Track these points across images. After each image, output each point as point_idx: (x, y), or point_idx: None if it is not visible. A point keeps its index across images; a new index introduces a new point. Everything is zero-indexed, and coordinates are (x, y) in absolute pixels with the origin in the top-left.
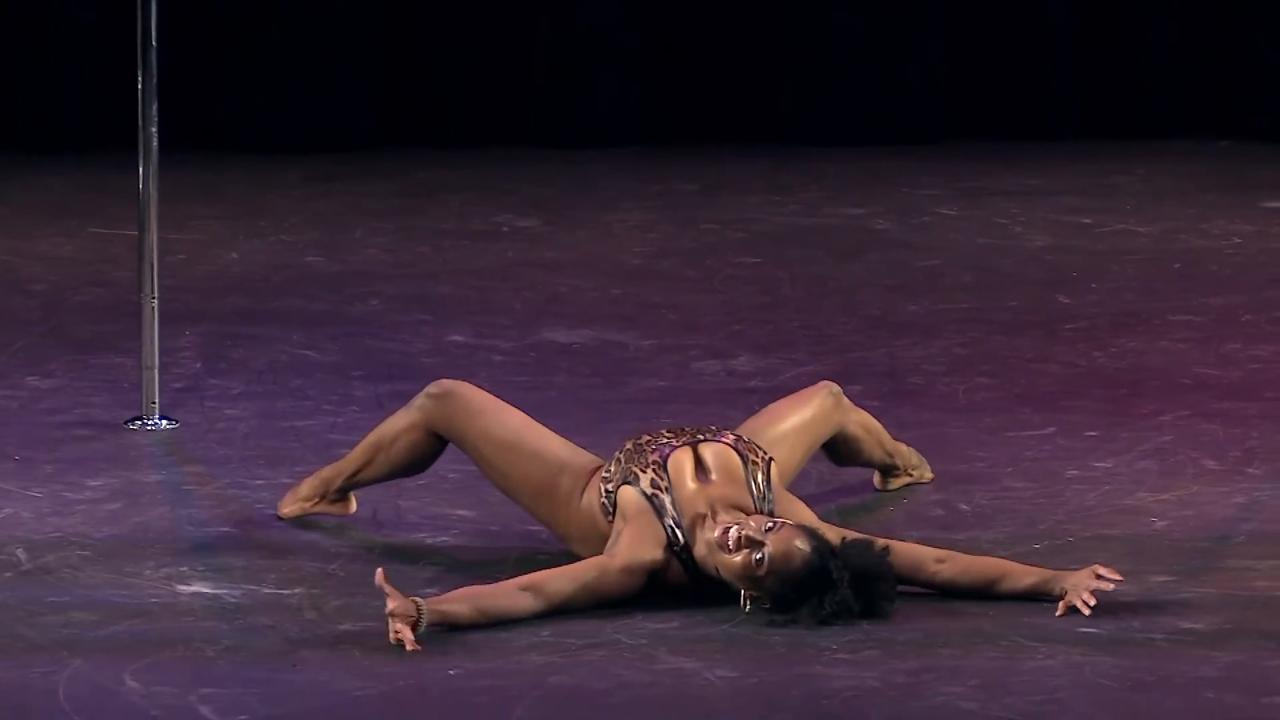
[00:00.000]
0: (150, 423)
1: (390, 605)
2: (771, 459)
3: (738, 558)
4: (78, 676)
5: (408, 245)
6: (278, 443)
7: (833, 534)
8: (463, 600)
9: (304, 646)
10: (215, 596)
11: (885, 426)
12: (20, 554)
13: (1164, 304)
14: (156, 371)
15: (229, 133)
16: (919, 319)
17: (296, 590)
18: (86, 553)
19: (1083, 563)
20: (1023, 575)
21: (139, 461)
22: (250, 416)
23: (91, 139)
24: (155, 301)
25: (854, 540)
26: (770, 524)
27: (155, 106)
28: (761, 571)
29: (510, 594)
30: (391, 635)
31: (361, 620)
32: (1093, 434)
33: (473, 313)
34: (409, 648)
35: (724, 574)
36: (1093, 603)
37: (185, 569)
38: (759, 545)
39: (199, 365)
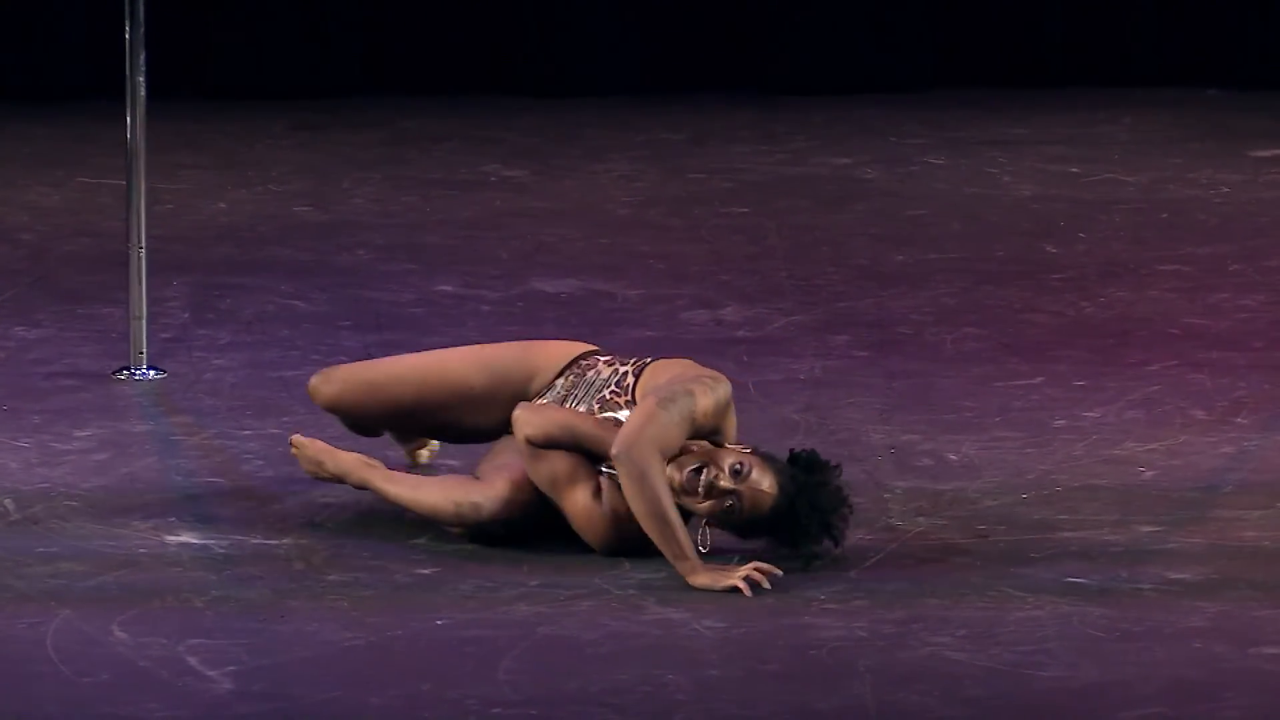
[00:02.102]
0: (138, 373)
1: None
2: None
3: (705, 505)
4: (66, 627)
5: (395, 195)
6: (266, 393)
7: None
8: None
9: (292, 597)
10: (203, 547)
11: (874, 376)
12: (8, 504)
13: (1152, 253)
14: (144, 321)
15: (216, 82)
16: (907, 269)
17: (284, 541)
18: (74, 503)
19: (1071, 513)
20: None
21: (127, 412)
22: (238, 367)
23: (79, 88)
24: (143, 251)
25: (819, 480)
26: (738, 465)
27: (143, 56)
28: (730, 518)
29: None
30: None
31: (350, 571)
32: (1081, 384)
33: (460, 262)
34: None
35: (687, 507)
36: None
37: (173, 519)
38: (729, 494)
39: (187, 315)
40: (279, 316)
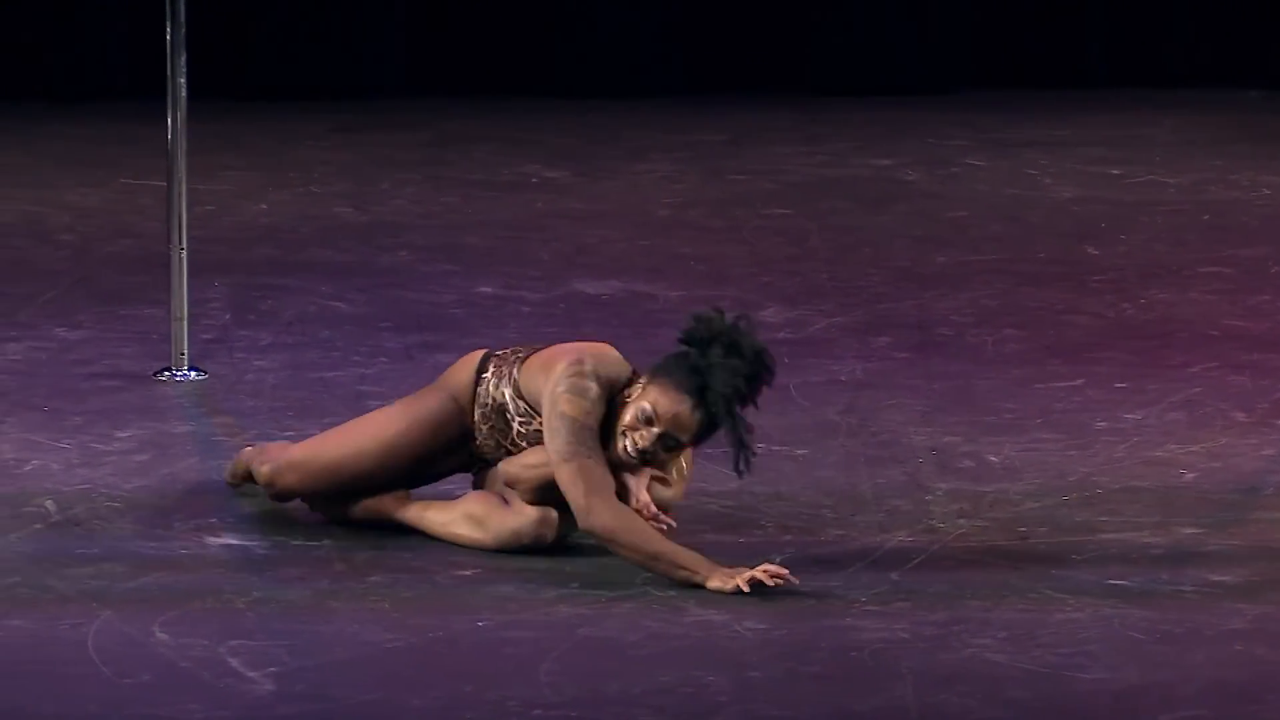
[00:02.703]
0: (179, 374)
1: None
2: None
3: (653, 464)
4: (107, 628)
5: (436, 196)
6: (306, 394)
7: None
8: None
9: (333, 598)
10: (244, 548)
11: (915, 378)
12: (49, 505)
13: (1193, 255)
14: (185, 322)
15: (258, 83)
16: (947, 270)
17: (325, 542)
18: (116, 504)
19: (1112, 515)
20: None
21: (168, 413)
22: (279, 368)
23: (120, 89)
24: (184, 252)
25: (713, 362)
26: (642, 413)
27: (184, 57)
28: (678, 447)
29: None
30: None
31: (391, 572)
32: (1122, 386)
33: (501, 264)
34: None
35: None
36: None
37: (214, 521)
38: (658, 440)
39: (228, 316)
40: (320, 317)
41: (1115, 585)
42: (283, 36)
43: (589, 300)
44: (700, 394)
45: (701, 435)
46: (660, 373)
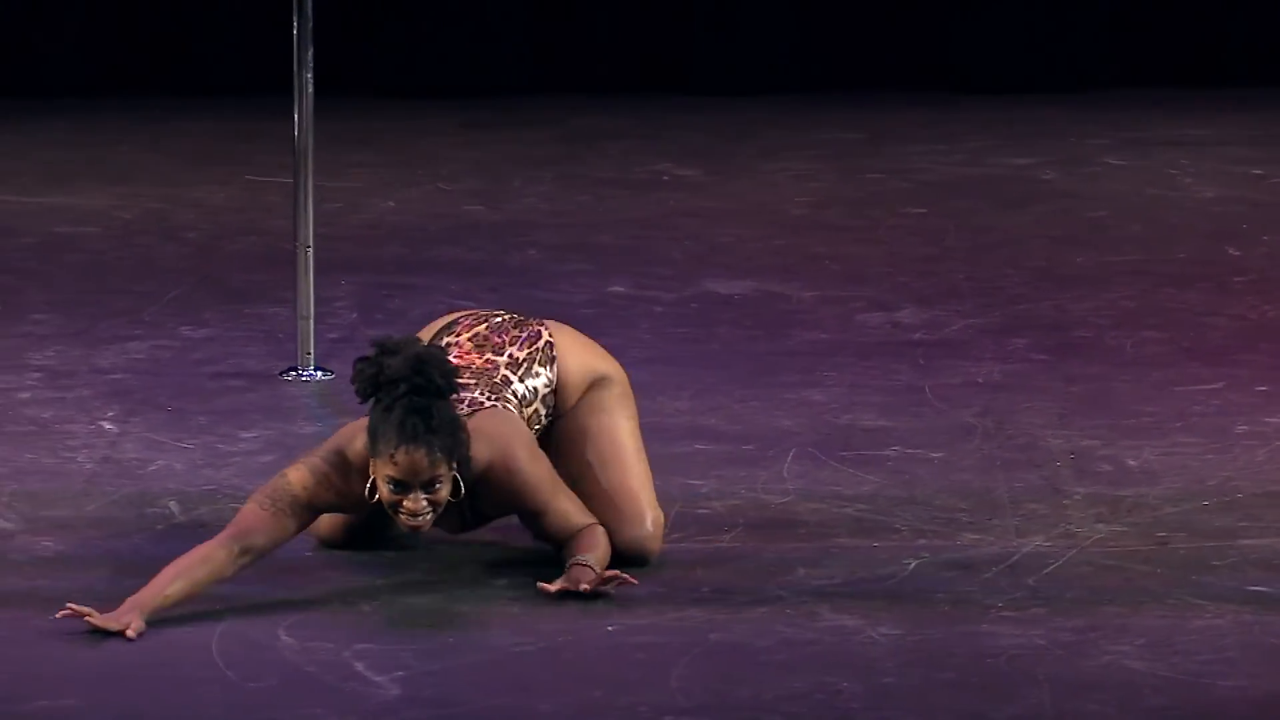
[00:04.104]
0: (305, 373)
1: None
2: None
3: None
4: (231, 632)
5: (567, 194)
6: None
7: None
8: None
9: (460, 602)
10: (373, 552)
11: (1052, 380)
12: (173, 506)
13: None
14: (312, 321)
15: (386, 79)
16: (1086, 271)
17: (455, 546)
18: (240, 505)
19: (1253, 520)
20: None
21: (293, 413)
22: None
23: (246, 85)
24: (310, 250)
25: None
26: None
27: (311, 51)
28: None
29: None
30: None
31: (519, 576)
32: (1263, 389)
33: (633, 263)
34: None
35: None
36: (586, 588)
37: None
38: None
39: (355, 315)
40: None
41: (1255, 591)
42: (412, 32)
43: (721, 300)
44: (414, 431)
45: (451, 453)
46: (372, 442)
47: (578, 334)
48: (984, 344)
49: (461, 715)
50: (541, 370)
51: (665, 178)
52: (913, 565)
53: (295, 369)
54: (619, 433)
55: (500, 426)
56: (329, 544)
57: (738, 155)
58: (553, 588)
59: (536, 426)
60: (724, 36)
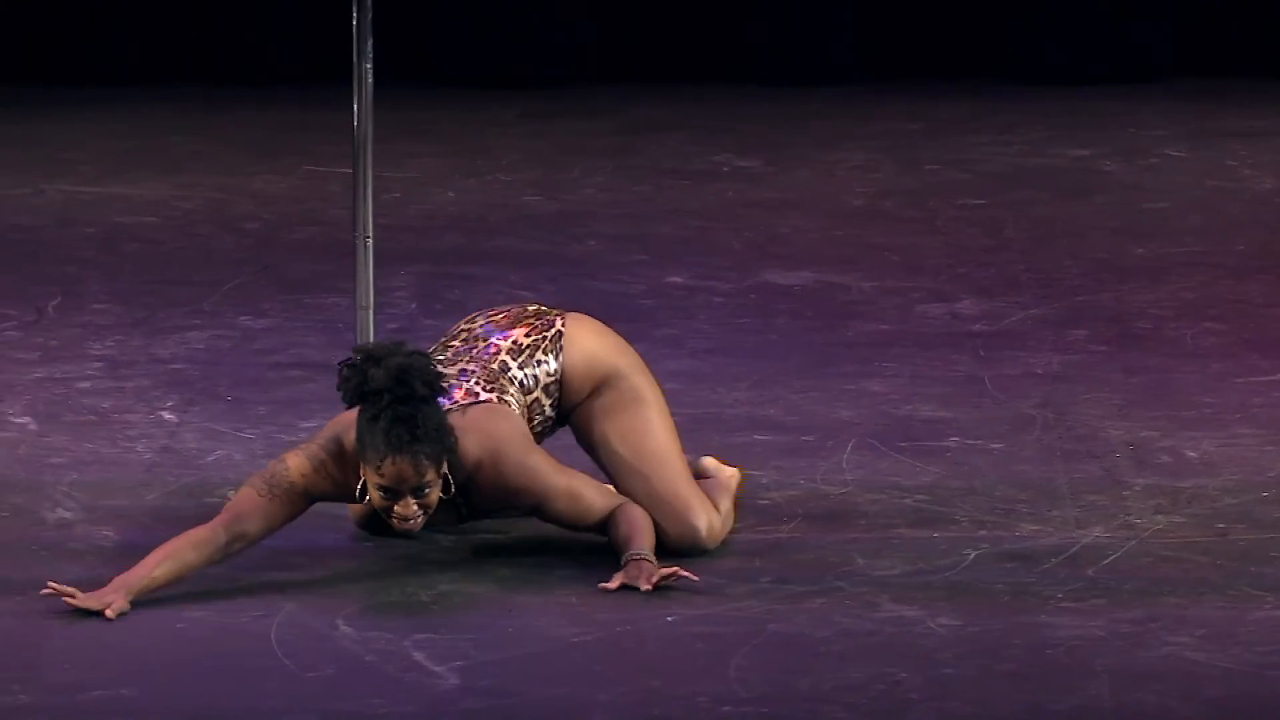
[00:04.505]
0: None
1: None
2: None
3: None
4: (290, 621)
5: (626, 184)
6: None
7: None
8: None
9: (519, 592)
10: (430, 540)
11: (1112, 371)
12: (232, 496)
13: None
14: (371, 311)
15: (445, 69)
16: (1146, 262)
17: (512, 534)
18: None
19: None
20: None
21: None
22: None
23: (306, 75)
24: (369, 240)
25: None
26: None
27: (370, 42)
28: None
29: None
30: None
31: (578, 566)
32: None
33: (692, 253)
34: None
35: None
36: (647, 588)
37: None
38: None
39: (414, 306)
40: None
41: None
42: (472, 22)
43: (781, 291)
44: (400, 441)
45: (438, 460)
46: (360, 448)
47: (598, 328)
48: (1044, 335)
49: (520, 705)
50: (546, 359)
51: (725, 168)
52: (972, 556)
53: None
54: (647, 432)
55: (492, 423)
56: (368, 529)
57: (797, 146)
58: (613, 585)
59: (539, 417)
60: (784, 27)
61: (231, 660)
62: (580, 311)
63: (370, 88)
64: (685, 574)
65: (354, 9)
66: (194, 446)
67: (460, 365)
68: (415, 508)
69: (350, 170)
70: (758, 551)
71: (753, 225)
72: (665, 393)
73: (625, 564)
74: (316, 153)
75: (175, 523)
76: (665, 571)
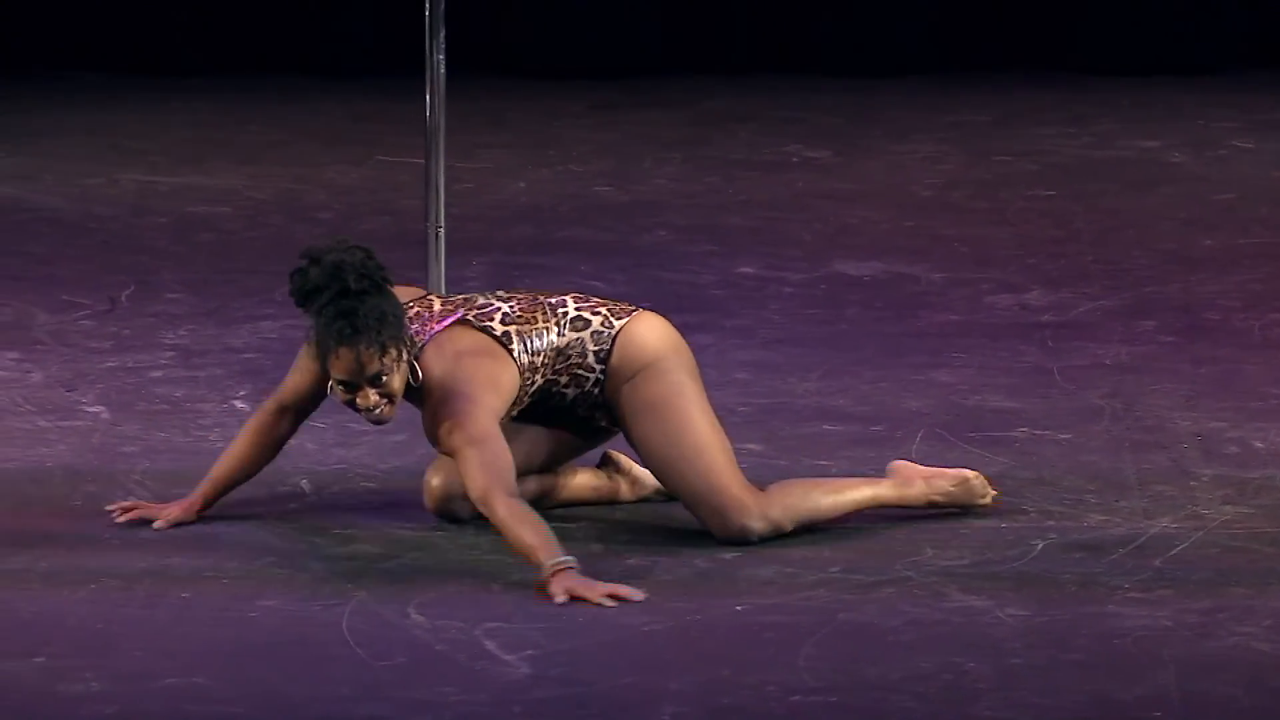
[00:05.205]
0: None
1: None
2: None
3: (383, 405)
4: (361, 609)
5: (696, 175)
6: None
7: None
8: None
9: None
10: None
11: (1180, 362)
12: (304, 485)
13: None
14: None
15: (516, 61)
16: (1214, 253)
17: (581, 524)
18: (371, 485)
19: None
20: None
21: None
22: None
23: (379, 66)
24: (442, 230)
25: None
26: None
27: (443, 34)
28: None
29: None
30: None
31: (649, 555)
32: None
33: (762, 244)
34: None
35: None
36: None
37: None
38: (383, 396)
39: None
40: None
41: None
42: (543, 14)
43: (850, 281)
44: (341, 333)
45: (386, 346)
46: (314, 348)
47: (663, 323)
48: (1112, 326)
49: (590, 694)
50: (548, 329)
51: (795, 159)
52: (1040, 546)
53: None
54: (689, 425)
55: (461, 343)
56: (443, 515)
57: (867, 137)
58: (561, 599)
59: (531, 385)
60: (854, 19)
61: (304, 649)
62: (650, 304)
63: (442, 79)
64: (629, 595)
65: (427, 1)
66: None
67: (509, 302)
68: (375, 397)
69: (422, 160)
70: (827, 541)
71: (822, 216)
72: (735, 382)
73: (553, 574)
74: (388, 143)
75: (248, 512)
76: (612, 589)
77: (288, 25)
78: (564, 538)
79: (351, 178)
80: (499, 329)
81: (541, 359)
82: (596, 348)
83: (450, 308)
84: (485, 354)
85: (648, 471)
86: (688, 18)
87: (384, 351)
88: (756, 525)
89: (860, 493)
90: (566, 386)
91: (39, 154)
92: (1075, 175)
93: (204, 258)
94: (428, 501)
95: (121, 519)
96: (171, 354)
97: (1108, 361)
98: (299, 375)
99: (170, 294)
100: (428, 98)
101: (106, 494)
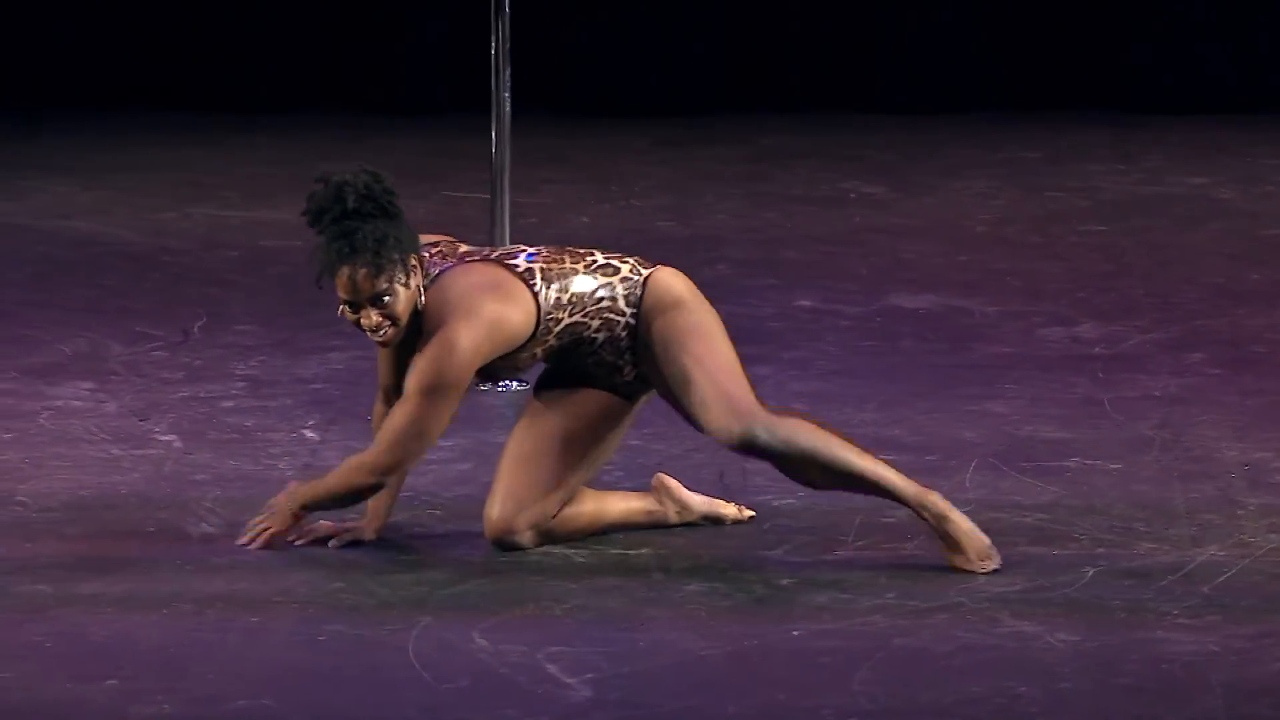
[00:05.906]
0: (501, 384)
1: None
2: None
3: (387, 327)
4: (427, 634)
5: (755, 210)
6: None
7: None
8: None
9: (650, 606)
10: (564, 556)
11: (1228, 394)
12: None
13: None
14: None
15: (579, 97)
16: (1262, 287)
17: (643, 551)
18: (437, 512)
19: None
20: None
21: (490, 422)
22: None
23: (446, 103)
24: None
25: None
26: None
27: (508, 71)
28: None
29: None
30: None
31: (707, 581)
32: None
33: (820, 278)
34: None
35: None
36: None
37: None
38: (386, 318)
39: None
40: None
41: None
42: (605, 52)
43: (906, 314)
44: (340, 254)
45: (383, 268)
46: (318, 272)
47: (684, 279)
48: (1161, 358)
49: (650, 717)
50: (576, 270)
51: (852, 195)
52: (1091, 573)
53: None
54: (716, 346)
55: (475, 276)
56: (502, 545)
57: (922, 173)
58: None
59: (557, 324)
60: (909, 57)
61: (369, 671)
62: None
63: (508, 116)
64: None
65: (493, 40)
66: (335, 464)
67: (537, 249)
68: (377, 318)
69: (487, 195)
70: (882, 568)
71: (878, 250)
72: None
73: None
74: (455, 178)
75: (316, 539)
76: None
77: (359, 65)
78: (627, 563)
79: (419, 212)
80: (522, 266)
81: (568, 297)
82: (627, 291)
83: (474, 250)
84: (496, 289)
85: (696, 498)
86: (748, 57)
87: (380, 272)
88: (762, 435)
89: (862, 463)
90: (598, 331)
91: (114, 189)
92: (1125, 211)
93: (274, 290)
94: (487, 532)
95: (255, 545)
96: (242, 384)
97: (1157, 393)
98: (380, 360)
99: (240, 326)
100: (493, 134)
101: (178, 521)
